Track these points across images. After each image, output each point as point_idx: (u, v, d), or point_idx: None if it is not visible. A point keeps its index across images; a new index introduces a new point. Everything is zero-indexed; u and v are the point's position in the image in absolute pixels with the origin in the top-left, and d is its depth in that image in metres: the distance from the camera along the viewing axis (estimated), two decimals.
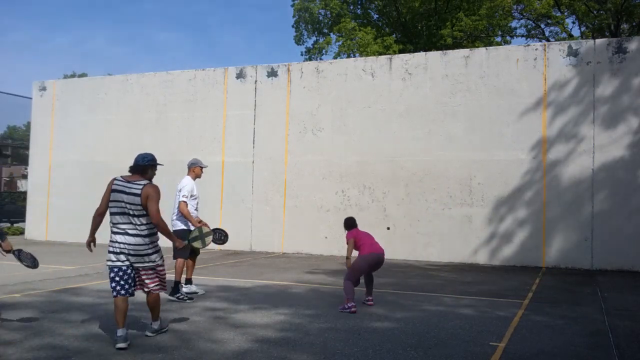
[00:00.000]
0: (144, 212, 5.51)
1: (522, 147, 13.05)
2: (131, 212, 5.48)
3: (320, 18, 32.52)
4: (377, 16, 34.10)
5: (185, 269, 8.13)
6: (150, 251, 5.57)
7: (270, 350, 5.35)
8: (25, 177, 30.12)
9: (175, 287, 7.84)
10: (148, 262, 5.55)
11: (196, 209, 8.22)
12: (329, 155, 14.70)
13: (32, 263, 6.29)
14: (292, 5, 32.79)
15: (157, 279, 5.67)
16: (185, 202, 7.96)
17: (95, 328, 6.11)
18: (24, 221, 18.81)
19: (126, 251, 5.46)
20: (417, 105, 14.00)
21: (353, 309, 7.12)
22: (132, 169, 5.66)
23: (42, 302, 7.55)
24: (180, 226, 7.99)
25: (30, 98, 18.71)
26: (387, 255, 13.72)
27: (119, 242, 5.47)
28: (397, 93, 14.20)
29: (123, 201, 5.47)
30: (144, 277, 5.59)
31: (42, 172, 17.74)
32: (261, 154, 15.43)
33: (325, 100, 14.86)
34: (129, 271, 5.48)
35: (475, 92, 13.51)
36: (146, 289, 5.64)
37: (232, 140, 15.74)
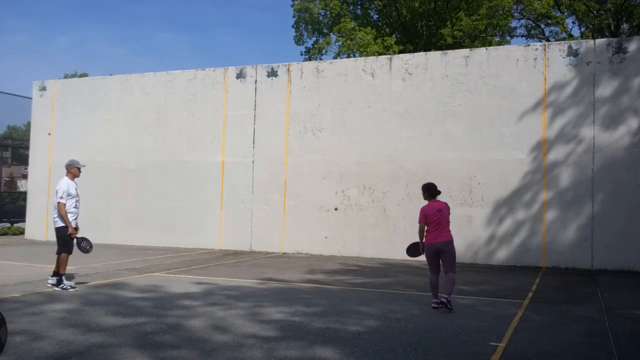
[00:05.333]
0: None
1: (522, 147, 13.05)
2: None
3: (320, 18, 32.53)
4: (377, 16, 34.10)
5: (65, 264, 8.66)
6: None
7: (270, 349, 5.35)
8: (25, 177, 30.11)
9: (60, 279, 8.49)
10: None
11: (76, 207, 8.79)
12: (329, 155, 14.70)
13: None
14: (292, 6, 32.82)
15: None
16: (62, 203, 8.54)
17: (95, 328, 6.11)
18: (24, 221, 18.80)
19: None
20: (417, 105, 14.00)
21: (433, 305, 7.32)
22: None
23: (42, 302, 7.55)
24: (60, 223, 8.58)
25: (30, 98, 18.71)
26: (388, 255, 13.86)
27: None
28: (397, 93, 14.20)
29: None
30: None
31: (42, 172, 17.74)
32: (261, 154, 15.43)
33: (325, 100, 14.86)
34: None
35: (475, 92, 13.51)
36: None
37: (232, 140, 15.75)
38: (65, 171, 8.94)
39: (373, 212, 14.09)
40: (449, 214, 7.59)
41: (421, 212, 7.54)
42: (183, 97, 16.35)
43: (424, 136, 13.88)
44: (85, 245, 8.78)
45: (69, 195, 8.61)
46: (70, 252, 8.65)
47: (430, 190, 7.75)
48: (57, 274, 8.56)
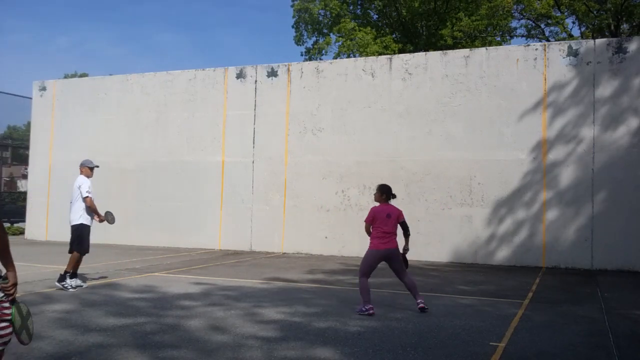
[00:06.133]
0: None
1: (522, 147, 13.05)
2: None
3: (320, 18, 32.53)
4: (377, 16, 34.10)
5: (75, 263, 8.59)
6: None
7: (270, 350, 5.35)
8: (25, 177, 30.11)
9: (64, 276, 8.37)
10: None
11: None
12: (329, 155, 14.70)
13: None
14: (292, 6, 32.82)
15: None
16: (90, 196, 8.54)
17: (95, 328, 6.11)
18: (24, 221, 18.81)
19: None
20: (417, 105, 14.00)
21: (362, 311, 7.06)
22: None
23: (41, 302, 7.55)
24: (78, 221, 8.55)
25: (30, 98, 18.70)
26: None
27: None
28: (397, 93, 14.20)
29: None
30: None
31: (42, 172, 17.73)
32: (261, 154, 15.43)
33: (325, 100, 14.86)
34: None
35: (475, 92, 13.51)
36: None
37: (232, 140, 15.75)
38: (80, 169, 8.93)
39: None
40: (399, 221, 7.31)
41: (370, 212, 7.34)
42: (183, 97, 16.35)
43: (424, 136, 13.88)
44: (110, 218, 8.84)
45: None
46: (84, 252, 8.58)
47: (385, 193, 7.46)
48: (73, 273, 8.46)
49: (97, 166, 9.20)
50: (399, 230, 7.30)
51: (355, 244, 14.07)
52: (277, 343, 5.60)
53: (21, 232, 18.81)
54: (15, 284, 3.55)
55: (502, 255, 13.07)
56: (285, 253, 14.79)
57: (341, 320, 6.70)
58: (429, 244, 13.61)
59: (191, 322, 6.47)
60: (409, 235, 7.42)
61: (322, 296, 8.38)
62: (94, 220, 8.78)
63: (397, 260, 7.22)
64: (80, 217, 8.55)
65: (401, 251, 7.32)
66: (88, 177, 8.81)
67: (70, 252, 8.56)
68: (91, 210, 8.56)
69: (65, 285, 8.36)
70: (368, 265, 7.22)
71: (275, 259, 13.65)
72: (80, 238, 8.53)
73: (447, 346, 5.60)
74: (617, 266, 12.18)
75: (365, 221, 7.39)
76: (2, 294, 3.47)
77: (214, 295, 8.33)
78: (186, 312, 7.05)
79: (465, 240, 13.36)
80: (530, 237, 12.85)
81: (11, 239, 8.74)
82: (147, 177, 16.49)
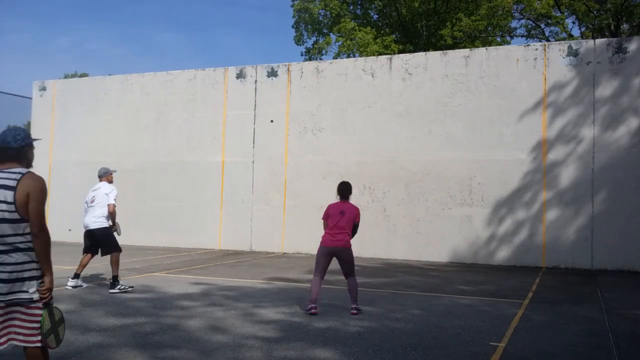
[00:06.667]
0: (19, 217, 3.56)
1: (522, 147, 13.05)
2: (4, 217, 3.54)
3: (320, 18, 32.53)
4: (377, 16, 34.11)
5: (82, 263, 8.70)
6: (25, 275, 3.54)
7: (270, 350, 5.35)
8: None
9: (115, 280, 8.41)
10: (18, 293, 3.52)
11: None
12: (329, 155, 14.70)
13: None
14: (292, 6, 32.82)
15: (32, 324, 3.59)
16: (114, 205, 8.71)
17: (95, 328, 6.11)
18: None
19: None
20: (417, 105, 14.00)
21: (311, 311, 7.02)
22: (1, 155, 3.67)
23: None
24: (105, 224, 8.65)
25: (30, 98, 18.70)
26: (387, 255, 13.85)
27: None
28: (397, 93, 14.20)
29: None
30: (9, 319, 3.58)
31: (42, 172, 17.66)
32: (261, 154, 15.43)
33: (325, 100, 14.86)
34: None
35: (475, 92, 13.51)
36: (18, 341, 3.63)
37: (232, 140, 15.75)
38: (103, 178, 8.99)
39: (373, 212, 14.09)
40: (354, 219, 7.20)
41: (326, 209, 7.39)
42: (183, 97, 16.35)
43: (424, 136, 13.88)
44: (118, 229, 8.93)
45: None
46: (121, 250, 8.73)
47: (339, 191, 7.46)
48: (116, 278, 8.49)
49: (115, 170, 9.42)
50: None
51: (355, 244, 14.02)
52: (277, 343, 5.60)
53: None
54: (50, 289, 3.60)
55: (502, 255, 13.06)
56: (285, 253, 14.79)
57: (341, 320, 6.70)
58: (429, 244, 13.61)
59: (191, 322, 6.47)
60: (353, 237, 7.34)
61: (322, 296, 8.37)
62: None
63: (344, 260, 7.14)
64: (105, 221, 8.63)
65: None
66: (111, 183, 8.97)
67: (110, 253, 8.57)
68: (111, 217, 8.67)
69: (123, 288, 8.36)
70: (316, 263, 7.22)
71: (275, 259, 13.65)
72: (110, 238, 8.63)
73: (447, 346, 5.60)
74: (617, 266, 12.18)
75: (322, 218, 7.40)
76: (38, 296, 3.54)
77: (213, 295, 8.33)
78: (186, 312, 7.05)
79: (465, 240, 13.36)
80: (530, 237, 12.85)
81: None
82: (147, 177, 16.49)
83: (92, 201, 8.73)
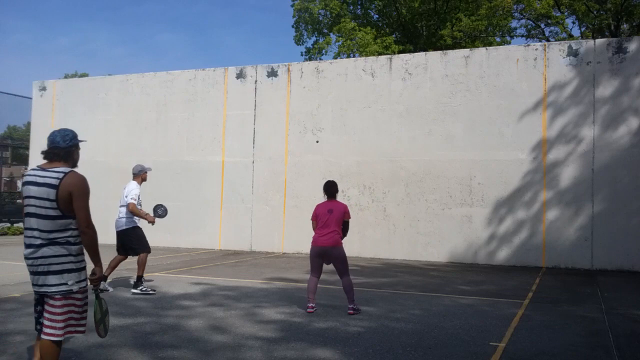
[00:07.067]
0: (60, 213, 3.79)
1: (522, 147, 13.05)
2: (48, 213, 3.79)
3: (320, 18, 32.53)
4: (377, 16, 34.11)
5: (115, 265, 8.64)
6: (58, 268, 3.77)
7: (270, 350, 5.35)
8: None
9: (139, 281, 8.34)
10: (54, 285, 3.74)
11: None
12: (329, 155, 14.70)
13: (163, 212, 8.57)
14: (292, 6, 32.82)
15: (61, 317, 3.78)
16: (133, 202, 8.48)
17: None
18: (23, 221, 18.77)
19: (33, 269, 3.83)
20: (417, 105, 14.00)
21: (308, 309, 7.07)
22: (49, 154, 4.02)
23: None
24: (129, 225, 8.57)
25: (30, 98, 18.70)
26: (388, 255, 13.85)
27: (26, 258, 3.86)
28: (397, 93, 14.20)
29: (31, 195, 3.86)
30: (44, 310, 3.81)
31: None
32: (261, 154, 15.43)
33: (325, 100, 14.86)
34: (38, 298, 3.91)
35: (475, 92, 13.51)
36: (40, 329, 3.84)
37: (232, 140, 15.75)
38: (134, 176, 8.89)
39: (373, 212, 14.09)
40: (344, 217, 7.19)
41: (314, 210, 7.35)
42: (183, 97, 16.35)
43: (424, 136, 13.88)
44: (160, 211, 8.77)
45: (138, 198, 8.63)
46: (150, 251, 8.60)
47: (325, 191, 7.45)
48: (140, 278, 8.38)
49: (150, 169, 9.19)
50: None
51: (355, 244, 14.07)
52: (277, 343, 5.60)
53: (21, 232, 18.77)
54: (100, 279, 3.96)
55: (502, 255, 13.07)
56: (285, 253, 14.79)
57: (341, 320, 6.70)
58: (429, 244, 13.61)
59: (191, 322, 6.47)
60: (345, 235, 7.33)
61: (322, 296, 8.37)
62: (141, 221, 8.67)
63: (335, 259, 7.11)
64: (128, 221, 8.52)
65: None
66: (143, 182, 8.88)
67: (137, 254, 8.47)
68: (135, 215, 8.50)
69: (144, 290, 8.24)
70: (310, 263, 7.25)
71: (275, 259, 13.65)
72: (138, 238, 8.51)
73: (447, 346, 5.60)
74: (617, 266, 12.18)
75: (311, 219, 7.38)
76: (90, 286, 3.91)
77: (214, 295, 8.33)
78: (186, 312, 7.05)
79: (465, 240, 13.37)
80: (530, 237, 12.86)
81: (11, 239, 8.72)
82: (147, 177, 16.45)
83: (121, 203, 8.70)
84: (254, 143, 15.55)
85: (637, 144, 12.28)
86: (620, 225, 12.21)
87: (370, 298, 8.36)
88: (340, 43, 29.71)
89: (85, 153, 19.41)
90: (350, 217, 7.36)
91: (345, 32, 29.15)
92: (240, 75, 15.83)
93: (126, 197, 8.56)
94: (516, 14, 30.03)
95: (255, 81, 15.67)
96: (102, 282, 8.36)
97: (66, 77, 52.05)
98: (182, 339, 5.69)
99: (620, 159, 12.34)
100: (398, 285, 9.72)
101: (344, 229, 7.28)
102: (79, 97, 17.62)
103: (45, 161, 4.02)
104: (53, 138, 4.04)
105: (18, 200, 24.12)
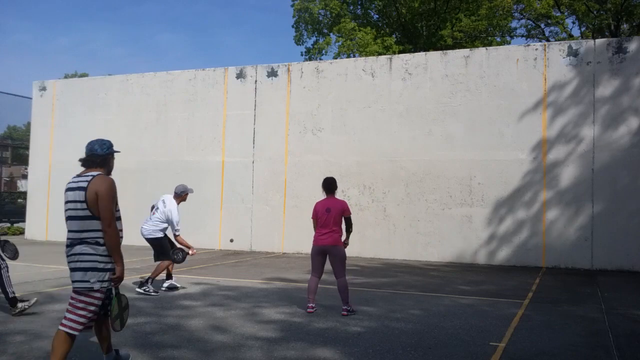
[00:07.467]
0: (90, 214, 4.09)
1: (522, 147, 13.05)
2: (78, 214, 4.12)
3: (320, 18, 32.53)
4: (377, 16, 34.11)
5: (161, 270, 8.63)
6: (84, 265, 4.08)
7: (270, 350, 5.35)
8: (25, 177, 30.11)
9: (147, 281, 8.38)
10: (77, 281, 4.08)
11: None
12: (329, 155, 14.70)
13: (13, 255, 7.06)
14: (292, 6, 32.81)
15: (79, 312, 4.09)
16: (179, 234, 8.58)
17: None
18: (24, 221, 18.81)
19: (69, 266, 4.19)
20: (417, 105, 14.00)
21: (308, 309, 7.10)
22: (87, 162, 4.33)
23: (41, 302, 7.54)
24: (161, 234, 8.64)
25: (30, 98, 18.70)
26: (388, 255, 13.85)
27: (66, 255, 4.21)
28: (397, 93, 14.20)
29: (69, 200, 4.20)
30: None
31: (42, 172, 17.73)
32: (261, 154, 15.43)
33: (325, 100, 14.86)
34: None
35: (475, 92, 13.51)
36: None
37: (232, 140, 15.75)
38: (175, 194, 8.84)
39: (373, 212, 14.09)
40: (343, 214, 7.16)
41: (314, 208, 7.31)
42: (183, 97, 16.35)
43: (424, 136, 13.88)
44: (178, 257, 8.66)
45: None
46: (172, 261, 8.61)
47: (324, 188, 7.43)
48: (150, 280, 8.41)
49: (192, 190, 9.11)
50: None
51: (355, 244, 14.06)
52: (277, 343, 5.61)
53: (21, 232, 18.80)
54: (120, 278, 4.18)
55: (502, 255, 13.07)
56: (285, 253, 14.79)
57: (341, 320, 6.70)
58: (429, 244, 13.61)
59: (191, 322, 6.47)
60: (350, 231, 7.30)
61: (322, 296, 8.37)
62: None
63: (334, 256, 7.09)
64: (158, 232, 8.58)
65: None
66: (182, 202, 8.83)
67: (156, 260, 8.58)
68: (181, 244, 8.57)
69: (147, 290, 8.26)
70: (311, 262, 7.25)
71: (275, 259, 13.65)
72: (163, 248, 8.56)
73: (447, 346, 5.60)
74: (617, 266, 12.18)
75: (311, 217, 7.36)
76: (110, 284, 4.15)
77: (214, 295, 8.33)
78: (186, 312, 7.06)
79: (465, 240, 13.37)
80: (530, 237, 12.86)
81: (11, 239, 8.70)
82: (147, 177, 16.48)
83: (153, 213, 8.74)
84: (254, 143, 15.55)
85: (637, 144, 12.28)
86: (620, 225, 12.21)
87: (370, 298, 8.36)
88: (340, 43, 29.70)
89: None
90: (350, 213, 7.34)
91: (345, 32, 29.15)
92: (240, 75, 15.83)
93: (169, 217, 8.56)
94: (516, 14, 30.05)
95: (255, 81, 15.67)
96: (168, 281, 8.58)
97: (66, 77, 52.04)
98: (183, 339, 5.70)
99: (620, 159, 12.34)
100: (398, 285, 9.72)
101: (347, 225, 7.25)
102: (79, 97, 17.62)
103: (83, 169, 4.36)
104: (91, 146, 4.32)
105: (19, 200, 24.14)
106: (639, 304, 8.36)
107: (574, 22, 34.38)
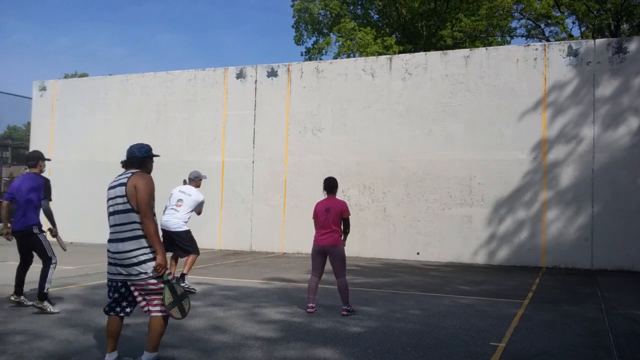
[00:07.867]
0: (130, 207, 4.50)
1: (522, 147, 13.05)
2: (118, 209, 4.55)
3: (320, 18, 32.53)
4: (377, 16, 34.11)
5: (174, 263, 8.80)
6: (137, 259, 4.48)
7: (271, 350, 5.36)
8: None
9: (182, 277, 8.45)
10: (136, 274, 4.49)
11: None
12: (329, 155, 14.70)
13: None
14: (292, 6, 32.82)
15: (154, 298, 4.55)
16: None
17: (95, 328, 6.11)
18: None
19: (113, 261, 4.59)
20: (417, 105, 14.00)
21: (308, 309, 7.12)
22: (127, 163, 4.72)
23: None
24: (187, 227, 8.78)
25: (30, 98, 18.70)
26: (387, 255, 13.85)
27: (109, 250, 4.62)
28: (397, 93, 14.20)
29: (110, 197, 4.64)
30: (137, 294, 4.62)
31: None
32: (261, 154, 15.43)
33: (325, 100, 14.86)
34: (119, 286, 4.62)
35: (475, 92, 13.51)
36: (145, 310, 4.67)
37: (232, 140, 15.75)
38: (191, 181, 9.10)
39: (373, 212, 14.09)
40: (342, 214, 7.15)
41: (314, 208, 7.34)
42: (183, 97, 16.35)
43: (424, 136, 13.88)
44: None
45: None
46: (199, 253, 8.79)
47: (325, 188, 7.45)
48: (184, 276, 8.47)
49: (205, 177, 9.37)
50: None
51: (355, 244, 14.07)
52: (277, 343, 5.61)
53: None
54: (161, 265, 4.45)
55: (502, 255, 13.07)
56: (285, 253, 14.79)
57: (341, 320, 6.70)
58: (429, 244, 13.61)
59: (191, 322, 6.47)
60: (347, 232, 7.29)
61: (322, 296, 8.37)
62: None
63: (334, 256, 7.10)
64: (186, 223, 8.72)
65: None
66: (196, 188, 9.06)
67: (188, 253, 8.60)
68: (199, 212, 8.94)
69: (186, 287, 8.27)
70: (311, 262, 7.26)
71: (275, 259, 13.65)
72: (192, 242, 8.65)
73: (447, 346, 5.61)
74: (617, 266, 12.18)
75: (312, 217, 7.37)
76: (154, 273, 4.43)
77: (214, 295, 8.33)
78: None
79: (465, 240, 13.36)
80: (530, 237, 12.86)
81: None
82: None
83: (179, 205, 8.73)
84: (254, 143, 15.55)
85: (637, 144, 12.28)
86: (620, 225, 12.21)
87: (370, 298, 8.36)
88: (340, 43, 29.71)
89: (85, 153, 19.36)
90: (349, 214, 7.32)
91: (345, 32, 29.16)
92: (240, 75, 15.84)
93: (198, 201, 8.82)
94: (516, 14, 30.04)
95: (255, 81, 15.67)
96: (184, 282, 8.49)
97: (66, 77, 52.04)
98: (183, 339, 5.70)
99: (620, 159, 12.34)
100: (398, 285, 9.72)
101: (344, 226, 7.24)
102: (79, 97, 17.62)
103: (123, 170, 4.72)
104: (131, 150, 4.70)
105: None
106: (639, 304, 8.36)
107: (574, 22, 34.39)
